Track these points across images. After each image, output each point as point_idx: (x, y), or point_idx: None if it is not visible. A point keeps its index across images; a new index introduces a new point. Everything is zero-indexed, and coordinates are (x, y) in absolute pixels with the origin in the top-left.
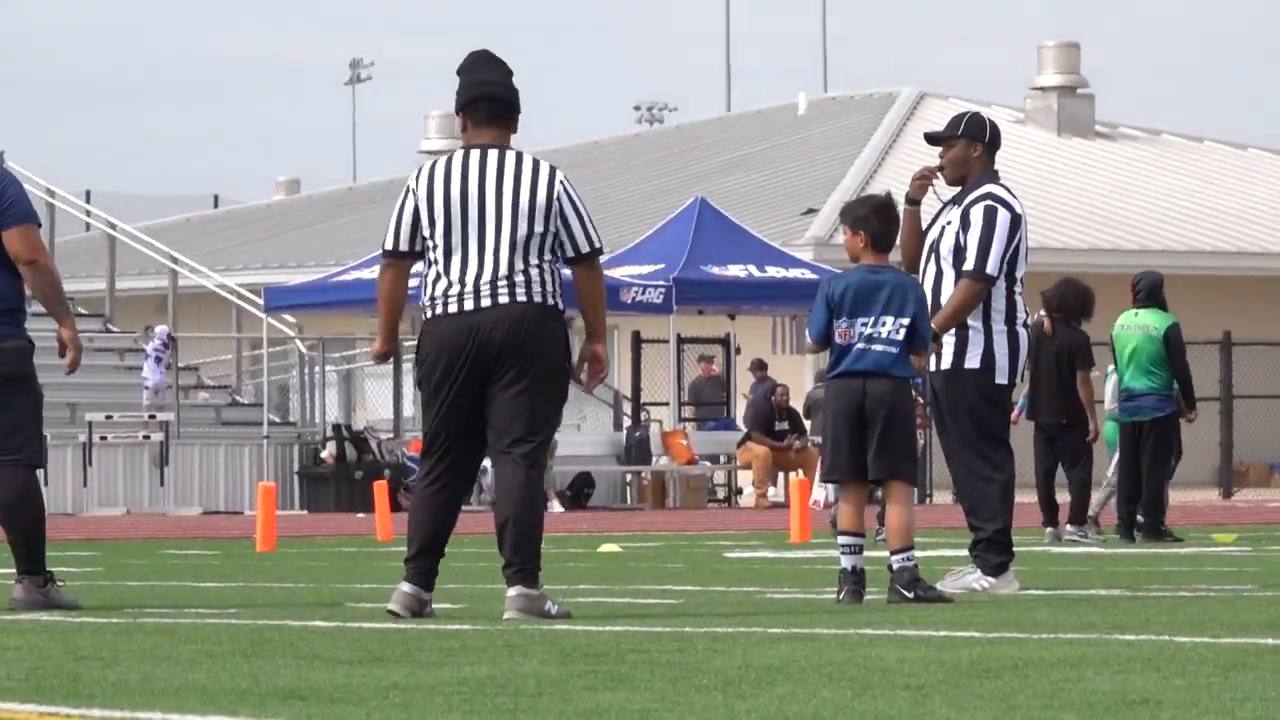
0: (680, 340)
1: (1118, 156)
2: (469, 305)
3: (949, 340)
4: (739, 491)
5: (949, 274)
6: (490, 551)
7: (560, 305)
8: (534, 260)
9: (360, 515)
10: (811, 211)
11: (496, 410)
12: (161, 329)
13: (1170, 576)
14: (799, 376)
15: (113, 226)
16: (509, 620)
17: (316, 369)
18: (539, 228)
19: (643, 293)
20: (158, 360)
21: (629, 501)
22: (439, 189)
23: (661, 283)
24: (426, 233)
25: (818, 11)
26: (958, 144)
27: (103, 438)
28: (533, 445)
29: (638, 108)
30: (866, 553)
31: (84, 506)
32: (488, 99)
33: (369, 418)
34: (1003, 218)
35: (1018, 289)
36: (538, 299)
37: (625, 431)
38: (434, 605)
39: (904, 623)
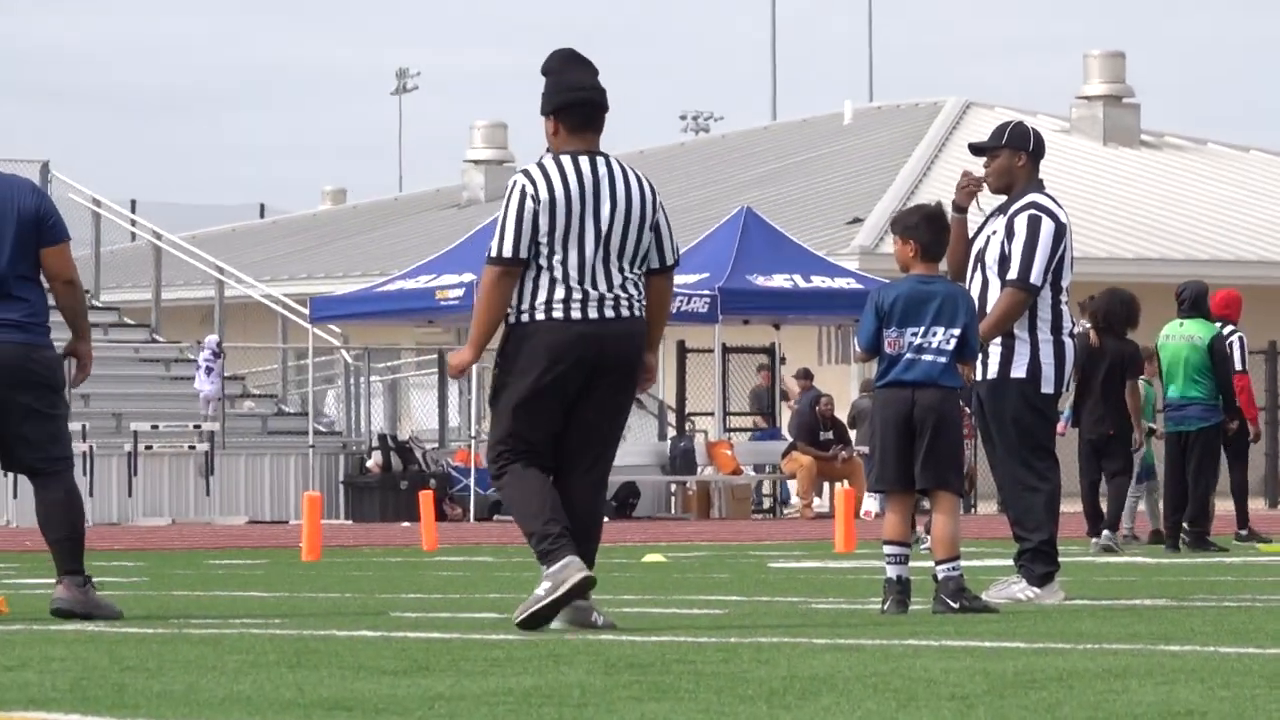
0: (725, 350)
1: (1164, 166)
2: (593, 314)
3: (995, 350)
4: (784, 502)
5: (994, 283)
6: (533, 561)
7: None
8: (639, 271)
9: (406, 525)
10: (857, 221)
11: (584, 423)
12: (211, 339)
13: (1216, 587)
14: (844, 387)
15: (158, 236)
16: (555, 630)
17: (362, 379)
18: (645, 239)
19: (688, 302)
20: (208, 371)
21: (674, 511)
22: (559, 194)
23: (707, 292)
24: (543, 239)
25: (864, 21)
26: (1002, 154)
27: (148, 447)
28: (608, 461)
29: (684, 117)
30: (912, 563)
31: (129, 516)
32: (583, 104)
33: (414, 428)
34: (1047, 227)
35: (1063, 298)
36: (638, 313)
37: (670, 441)
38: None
39: (949, 633)
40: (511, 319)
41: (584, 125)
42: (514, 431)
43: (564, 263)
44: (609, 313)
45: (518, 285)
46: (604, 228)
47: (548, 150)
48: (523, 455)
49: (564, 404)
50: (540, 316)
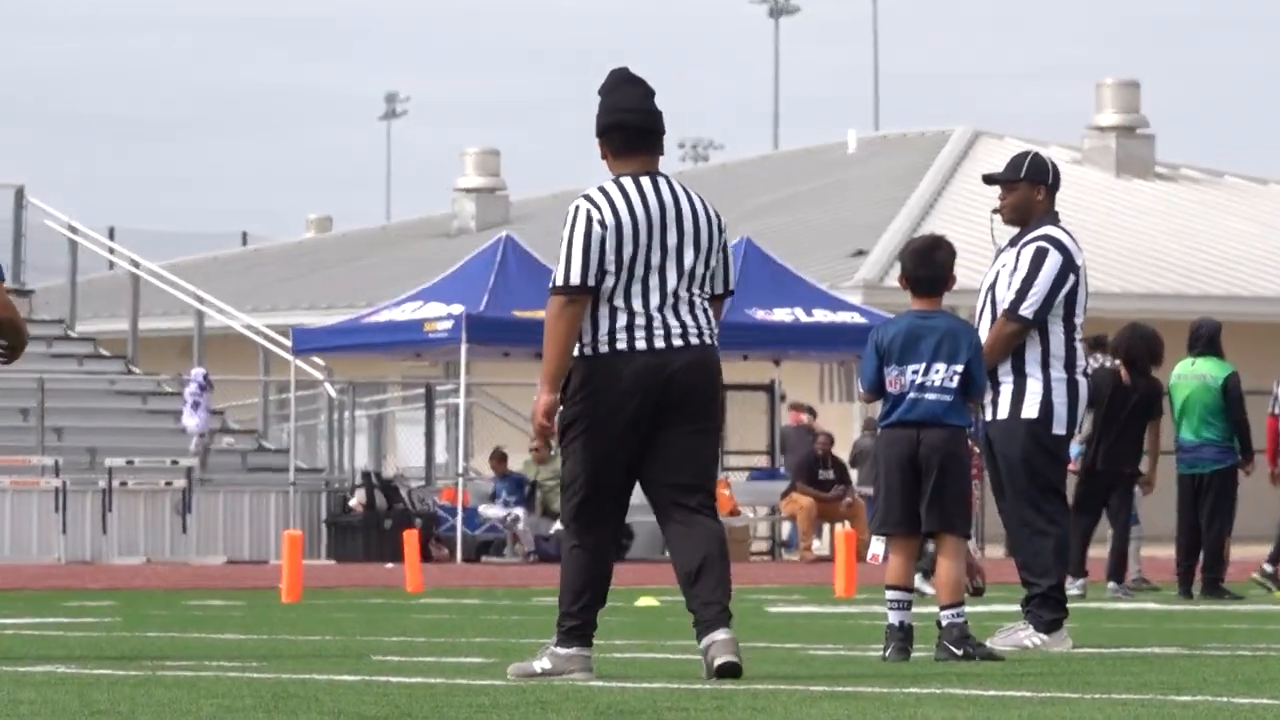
0: (724, 387)
1: (1178, 198)
2: (659, 343)
3: (1005, 389)
4: (784, 544)
5: None
6: (522, 604)
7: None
8: (705, 297)
9: (390, 566)
10: (861, 253)
11: (671, 456)
12: (198, 371)
13: (1229, 635)
14: (847, 425)
15: (136, 265)
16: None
17: (346, 414)
18: (713, 262)
19: None
20: (195, 406)
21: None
22: (625, 219)
23: None
24: (610, 266)
25: (869, 48)
26: (1020, 187)
27: (123, 483)
28: (710, 494)
29: (683, 145)
30: (915, 608)
31: (103, 555)
32: (620, 128)
33: (400, 465)
34: (1052, 260)
35: (1077, 335)
36: (709, 340)
37: None
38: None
39: (952, 681)
40: (578, 351)
41: (628, 148)
42: (586, 473)
43: (629, 291)
44: (677, 341)
45: (585, 316)
46: (672, 254)
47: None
48: (593, 525)
49: (637, 438)
50: (605, 349)
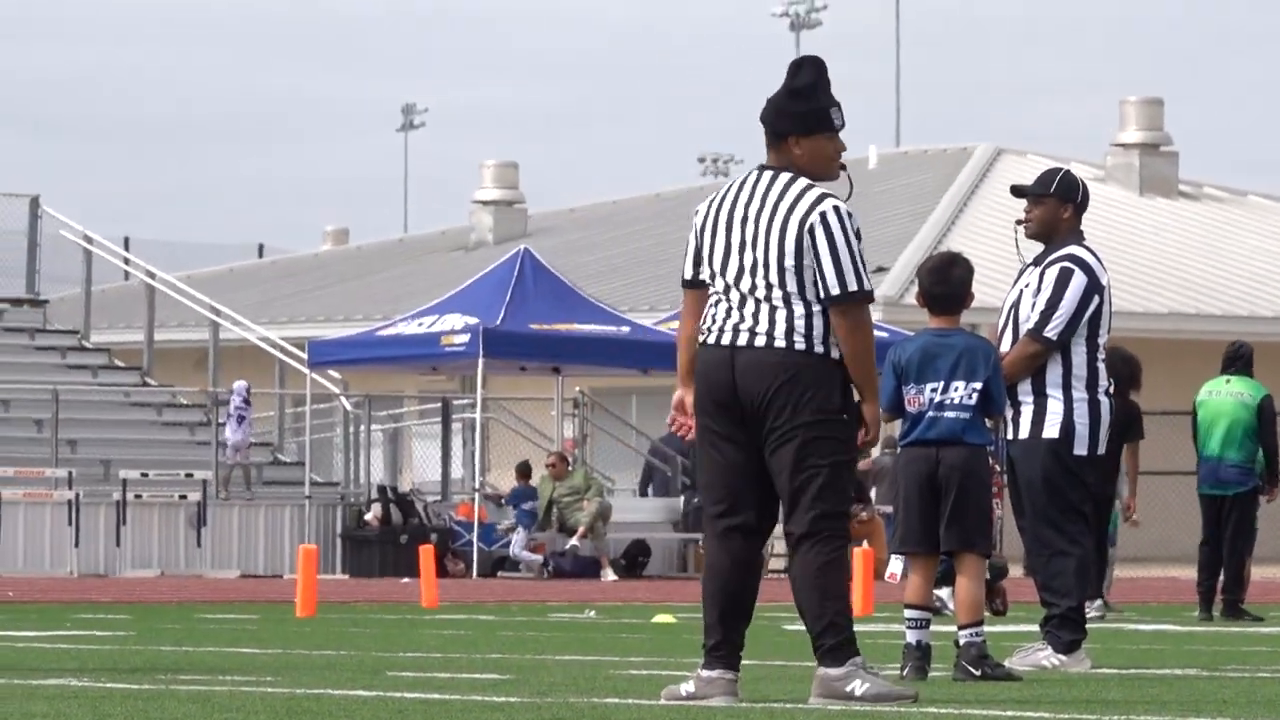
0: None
1: (1202, 217)
2: (725, 340)
3: (1026, 408)
4: None
5: None
6: (538, 620)
7: (825, 350)
8: (784, 295)
9: (405, 580)
10: (882, 270)
11: (771, 470)
12: (240, 384)
13: (1249, 657)
14: None
15: (152, 276)
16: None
17: (361, 427)
18: (789, 261)
19: None
20: (240, 420)
21: (686, 570)
22: (711, 211)
23: None
24: (704, 257)
25: (891, 63)
26: (1048, 203)
27: (138, 496)
28: (815, 514)
29: (702, 159)
30: (933, 627)
31: (117, 567)
32: (766, 121)
33: (415, 479)
34: (1077, 280)
35: (1100, 356)
36: (783, 342)
37: (683, 498)
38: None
39: (969, 701)
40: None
41: (769, 143)
42: (704, 477)
43: (710, 282)
44: (741, 340)
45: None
46: (735, 248)
47: None
48: (717, 519)
49: (732, 438)
50: (698, 342)
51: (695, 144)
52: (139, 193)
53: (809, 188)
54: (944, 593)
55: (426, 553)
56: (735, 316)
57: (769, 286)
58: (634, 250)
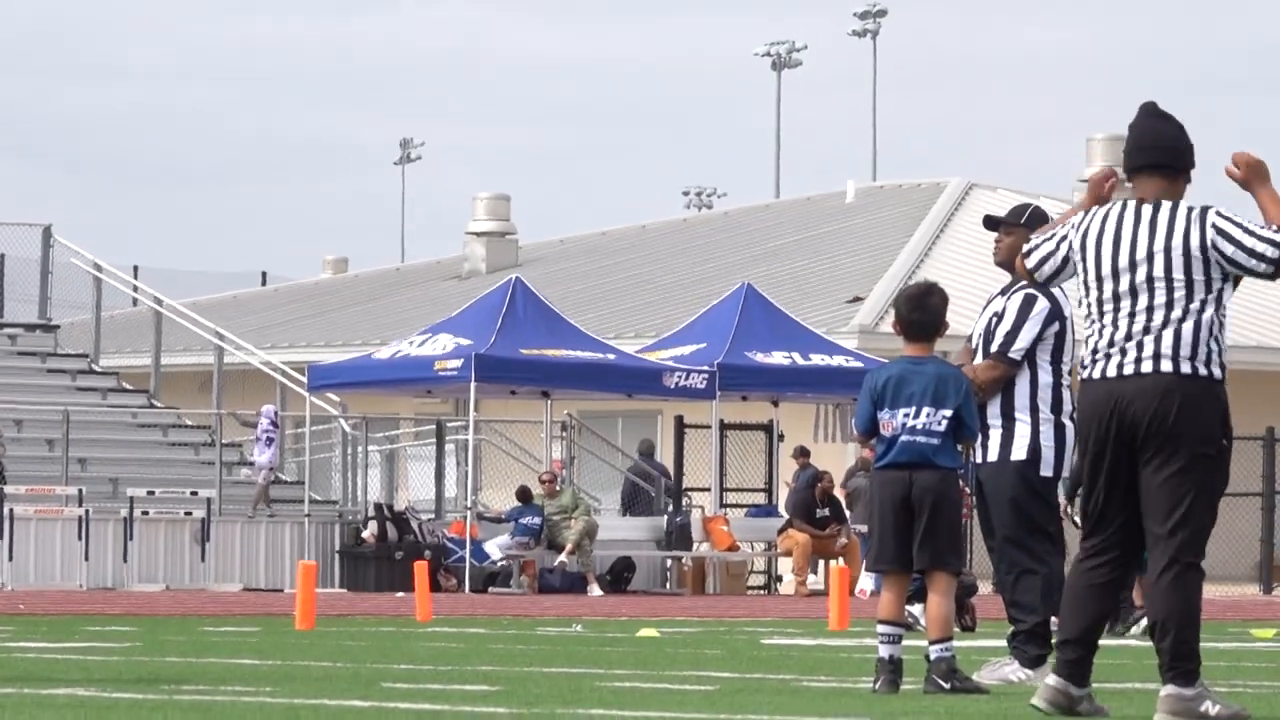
0: (723, 426)
1: None
2: (1111, 372)
3: (995, 432)
4: (779, 579)
5: None
6: (527, 634)
7: (1218, 374)
8: (1169, 320)
9: (400, 595)
10: (857, 300)
11: (1145, 497)
12: (269, 408)
13: (1208, 672)
14: (841, 465)
15: (159, 302)
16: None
17: (359, 448)
18: (1197, 275)
19: (686, 378)
20: (269, 442)
21: (669, 587)
22: (1093, 233)
23: (705, 368)
24: (1088, 282)
25: (868, 101)
26: (1017, 233)
27: (144, 513)
28: (1181, 539)
29: (686, 193)
30: (905, 642)
31: (124, 581)
32: (1128, 153)
33: (410, 498)
34: (1040, 305)
35: (1065, 381)
36: (1172, 369)
37: (666, 517)
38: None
39: (939, 713)
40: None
41: (1135, 171)
42: (1088, 502)
43: (1098, 314)
44: (1128, 369)
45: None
46: (1124, 273)
47: None
48: (1089, 552)
49: (1114, 472)
50: (1084, 374)
51: (680, 178)
52: (148, 223)
53: (1191, 208)
54: (916, 609)
55: (421, 568)
56: (1124, 342)
57: (1163, 308)
58: (620, 280)
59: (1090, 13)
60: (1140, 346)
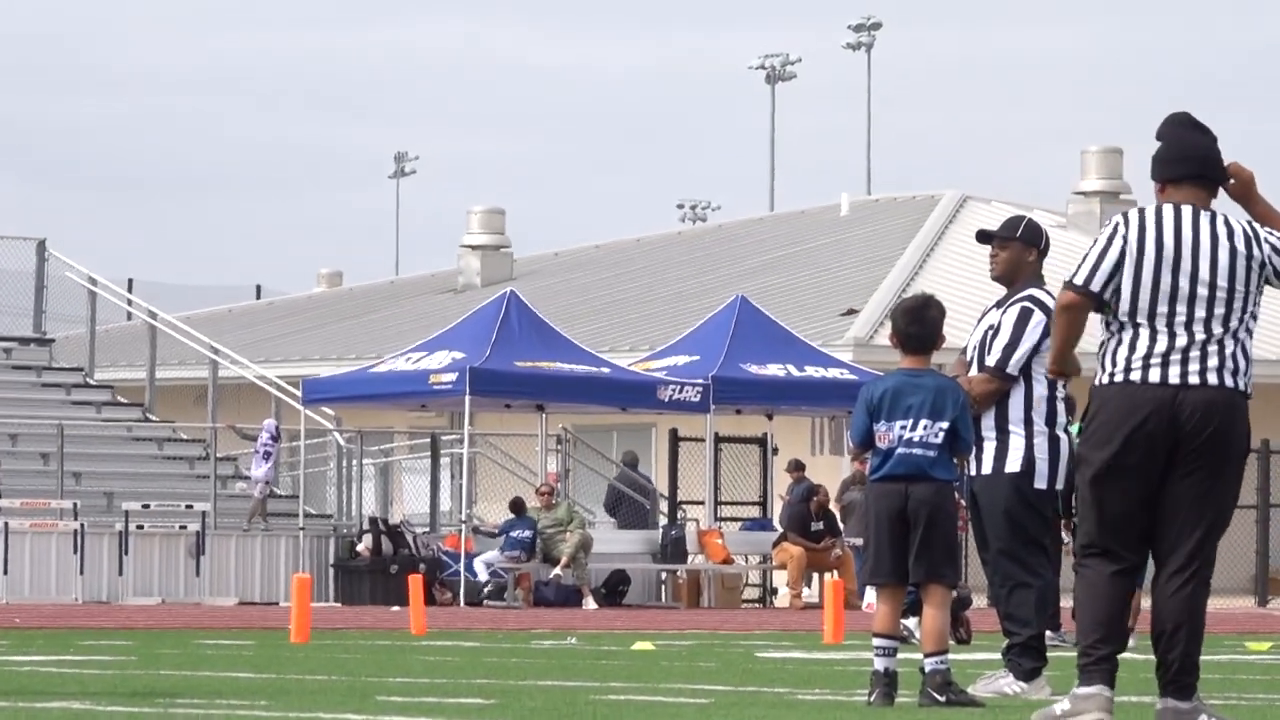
0: (718, 439)
1: None
2: (1174, 378)
3: (989, 445)
4: (774, 592)
5: None
6: (521, 647)
7: (1251, 390)
8: (1234, 328)
9: (395, 608)
10: (852, 312)
11: (1169, 508)
12: (269, 422)
13: (1203, 685)
14: (836, 477)
15: (154, 316)
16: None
17: (354, 462)
18: (1253, 287)
19: (680, 391)
20: (266, 456)
21: (664, 600)
22: (1150, 240)
23: (699, 381)
24: (1126, 286)
25: (863, 114)
26: (1012, 246)
27: (139, 527)
28: (1206, 551)
29: (681, 205)
30: (900, 654)
31: (119, 595)
32: (1158, 162)
33: (405, 511)
34: (1036, 319)
35: (1059, 394)
36: (1230, 382)
37: (661, 530)
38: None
39: None
40: (1095, 380)
41: (1174, 181)
42: (1094, 513)
43: (1146, 318)
44: (1193, 379)
45: (1107, 343)
46: (1189, 284)
47: None
48: (1101, 553)
49: (1147, 481)
50: (1119, 379)
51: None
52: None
53: (1244, 225)
54: (911, 622)
55: (415, 582)
56: (1185, 350)
57: (1229, 321)
58: (615, 293)
59: (1085, 26)
60: (1205, 357)
